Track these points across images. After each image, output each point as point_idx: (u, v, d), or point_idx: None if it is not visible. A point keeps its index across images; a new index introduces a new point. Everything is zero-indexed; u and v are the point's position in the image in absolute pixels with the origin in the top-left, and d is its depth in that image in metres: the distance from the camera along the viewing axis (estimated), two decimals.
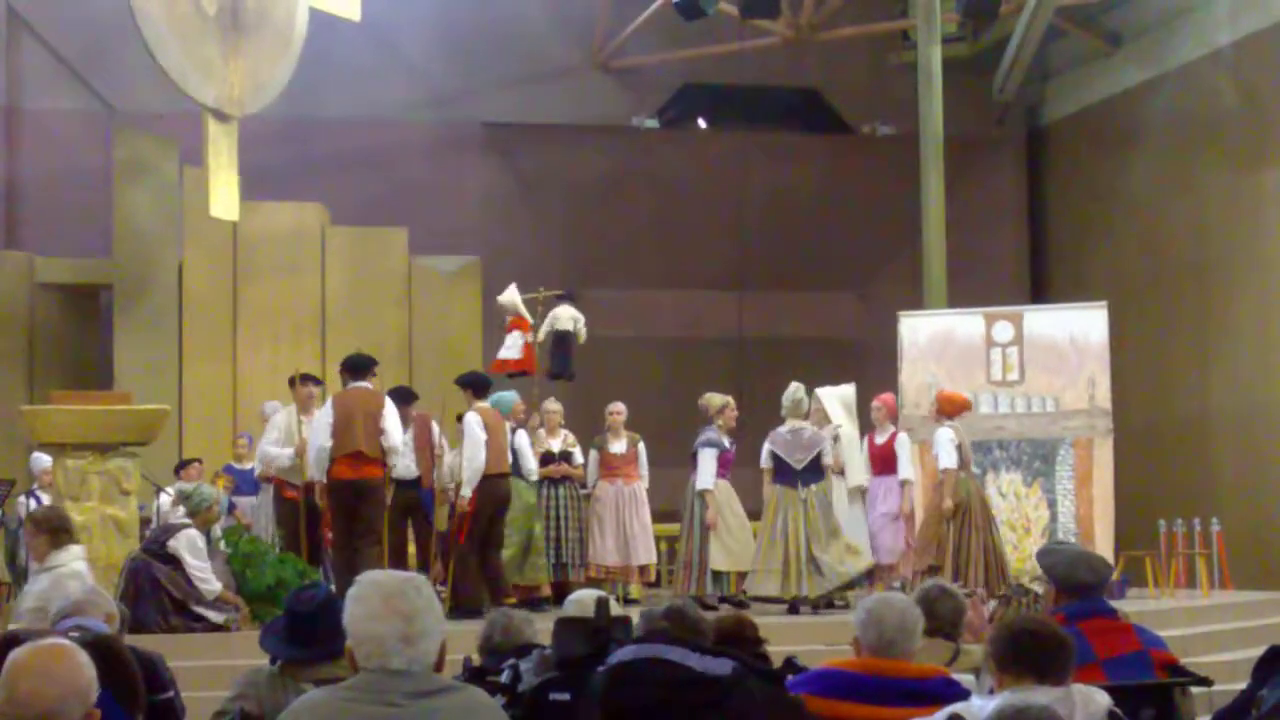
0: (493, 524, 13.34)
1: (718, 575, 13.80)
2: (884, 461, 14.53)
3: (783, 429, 13.60)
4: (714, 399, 14.26)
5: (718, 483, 13.93)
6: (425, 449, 13.97)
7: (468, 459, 13.10)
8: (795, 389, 13.78)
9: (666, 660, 4.55)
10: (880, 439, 14.60)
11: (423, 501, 14.07)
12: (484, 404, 13.49)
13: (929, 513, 13.53)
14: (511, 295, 16.05)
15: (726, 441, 14.08)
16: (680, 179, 21.58)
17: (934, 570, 13.08)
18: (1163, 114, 20.08)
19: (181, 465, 15.79)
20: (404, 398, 13.91)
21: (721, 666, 4.55)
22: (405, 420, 13.92)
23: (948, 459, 13.32)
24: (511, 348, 16.01)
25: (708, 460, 13.91)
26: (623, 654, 4.62)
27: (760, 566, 13.37)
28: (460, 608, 12.55)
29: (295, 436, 13.26)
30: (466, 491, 13.06)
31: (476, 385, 13.63)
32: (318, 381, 13.89)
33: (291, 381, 13.72)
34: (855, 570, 13.40)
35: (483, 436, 13.10)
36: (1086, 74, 21.71)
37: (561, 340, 16.33)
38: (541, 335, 16.26)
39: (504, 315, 16.10)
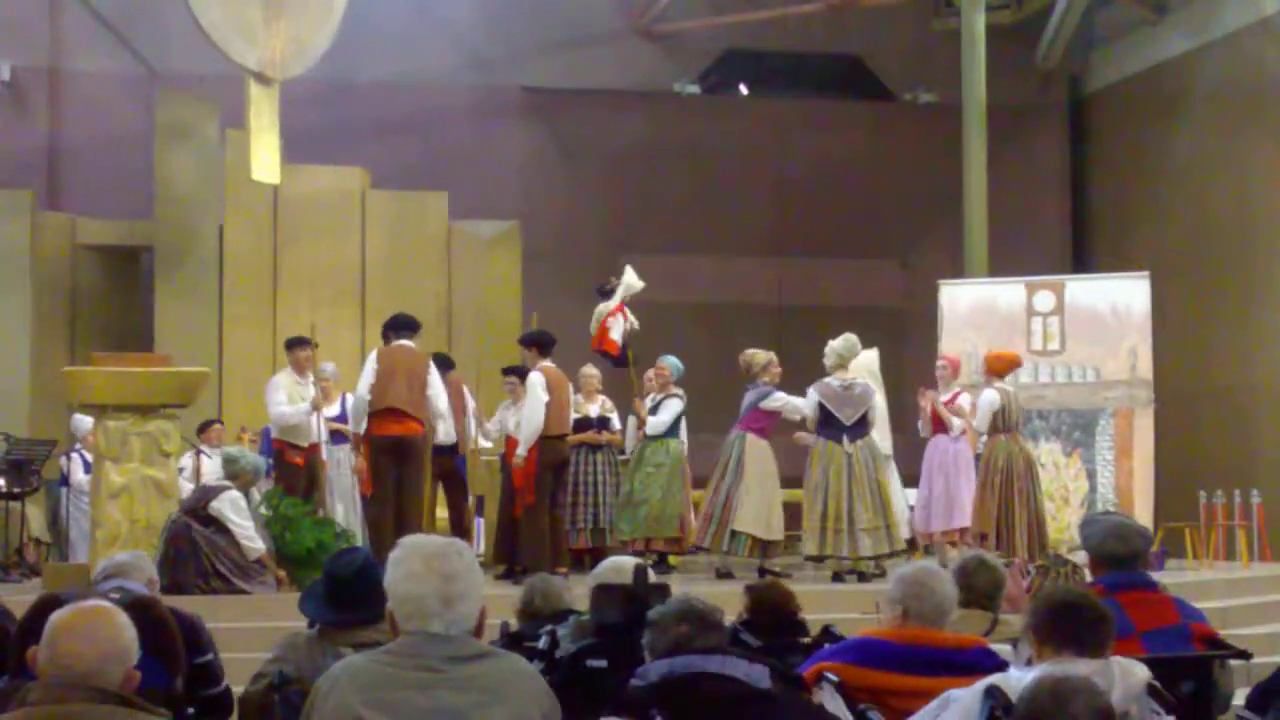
0: (556, 486, 13.35)
1: (736, 535, 13.51)
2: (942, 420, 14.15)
3: (833, 381, 13.26)
4: (758, 355, 13.88)
5: (758, 441, 13.70)
6: (459, 414, 14.01)
7: (526, 418, 13.11)
8: (851, 340, 13.49)
9: (712, 674, 4.55)
10: (944, 397, 14.25)
11: (458, 468, 14.10)
12: (548, 363, 13.41)
13: (980, 479, 13.42)
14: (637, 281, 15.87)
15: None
16: (721, 145, 21.51)
17: (984, 538, 13.03)
18: (1208, 83, 19.94)
19: (203, 427, 15.71)
20: (444, 364, 13.97)
21: (762, 676, 4.56)
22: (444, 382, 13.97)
23: (980, 420, 13.32)
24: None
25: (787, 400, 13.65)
26: (659, 669, 4.60)
27: (805, 525, 13.26)
28: (526, 570, 12.09)
29: (297, 398, 13.33)
30: (523, 450, 13.08)
31: (541, 344, 13.54)
32: (313, 345, 13.90)
33: (297, 343, 13.73)
34: (892, 545, 13.28)
35: (544, 397, 13.06)
36: (1131, 42, 21.56)
37: None
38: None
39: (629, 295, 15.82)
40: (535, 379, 13.16)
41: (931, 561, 5.69)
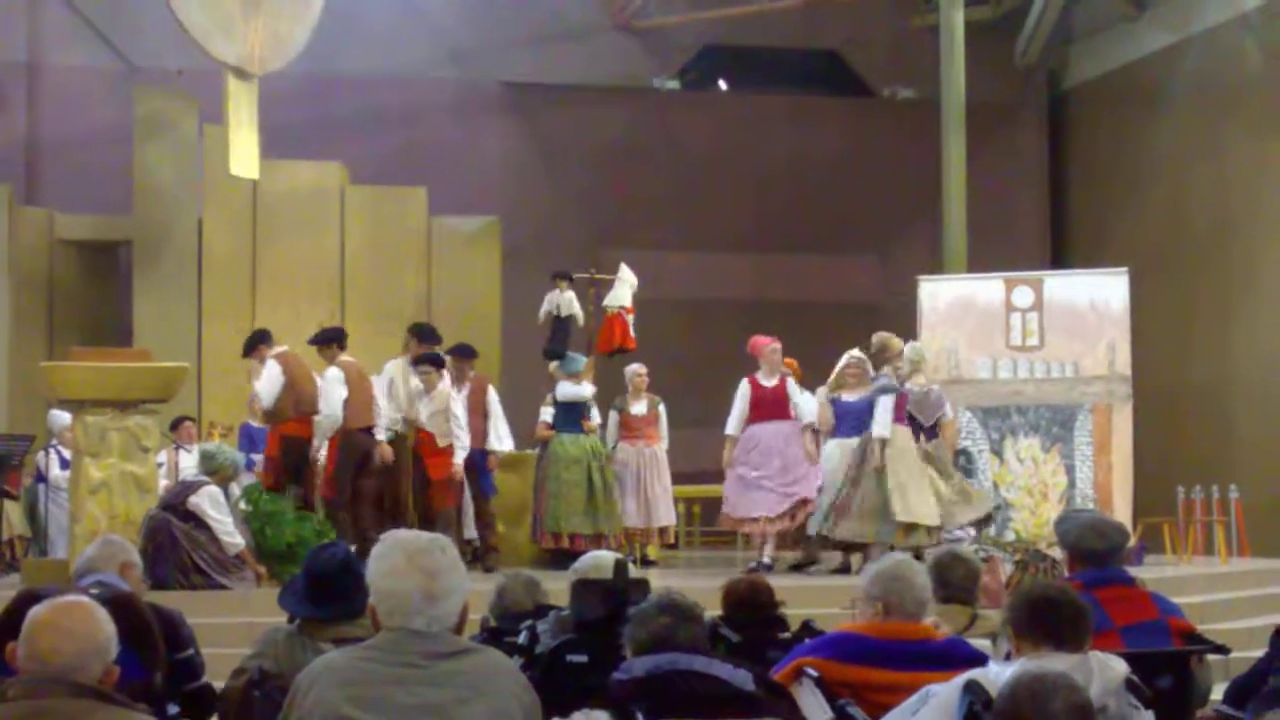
0: (360, 478, 13.18)
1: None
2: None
3: (913, 387, 13.69)
4: (894, 341, 13.87)
5: (896, 429, 13.43)
6: (478, 412, 13.91)
7: (325, 414, 13.01)
8: (920, 346, 14.04)
9: (697, 673, 4.55)
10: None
11: (475, 465, 13.95)
12: (347, 358, 13.35)
13: None
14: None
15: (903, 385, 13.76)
16: (700, 141, 21.52)
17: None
18: (1187, 78, 19.98)
19: (175, 423, 15.59)
20: (466, 354, 14.10)
21: (746, 680, 4.56)
22: (462, 378, 13.94)
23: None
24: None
25: (884, 407, 13.35)
26: (644, 665, 4.59)
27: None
28: None
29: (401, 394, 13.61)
30: (318, 442, 13.11)
31: (339, 339, 13.54)
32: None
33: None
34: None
35: (343, 392, 12.99)
36: (1110, 38, 21.59)
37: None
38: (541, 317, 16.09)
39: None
40: (332, 374, 13.07)
41: (905, 555, 5.70)
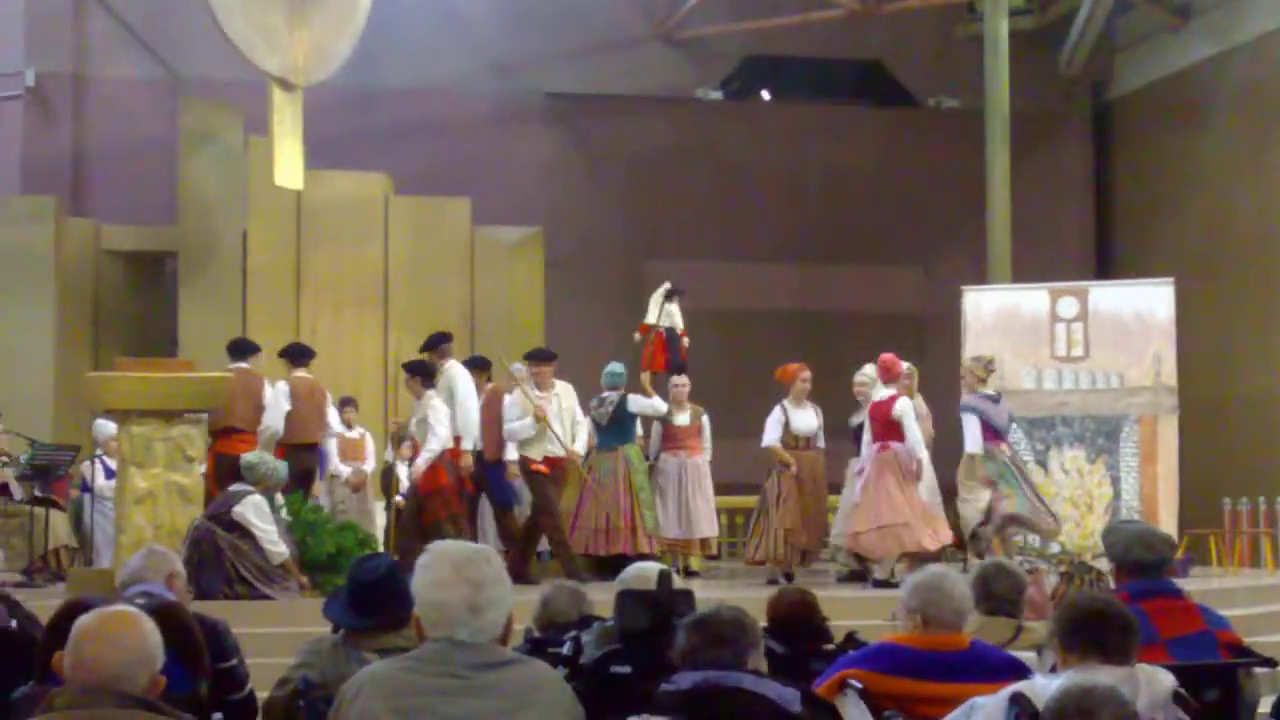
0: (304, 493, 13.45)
1: None
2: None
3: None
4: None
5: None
6: (493, 423, 13.90)
7: (263, 425, 13.27)
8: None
9: (745, 690, 4.51)
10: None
11: (489, 477, 13.96)
12: (302, 374, 13.60)
13: None
14: None
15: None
16: (743, 151, 21.50)
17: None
18: (1232, 88, 19.88)
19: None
20: (476, 365, 14.10)
21: (794, 699, 4.52)
22: (478, 389, 13.94)
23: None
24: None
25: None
26: (691, 678, 4.54)
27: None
28: None
29: (531, 410, 13.69)
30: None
31: (294, 355, 13.79)
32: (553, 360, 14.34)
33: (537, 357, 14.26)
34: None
35: (285, 406, 13.26)
36: (1155, 47, 21.51)
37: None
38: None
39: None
40: (280, 388, 13.40)
41: (944, 566, 5.67)
